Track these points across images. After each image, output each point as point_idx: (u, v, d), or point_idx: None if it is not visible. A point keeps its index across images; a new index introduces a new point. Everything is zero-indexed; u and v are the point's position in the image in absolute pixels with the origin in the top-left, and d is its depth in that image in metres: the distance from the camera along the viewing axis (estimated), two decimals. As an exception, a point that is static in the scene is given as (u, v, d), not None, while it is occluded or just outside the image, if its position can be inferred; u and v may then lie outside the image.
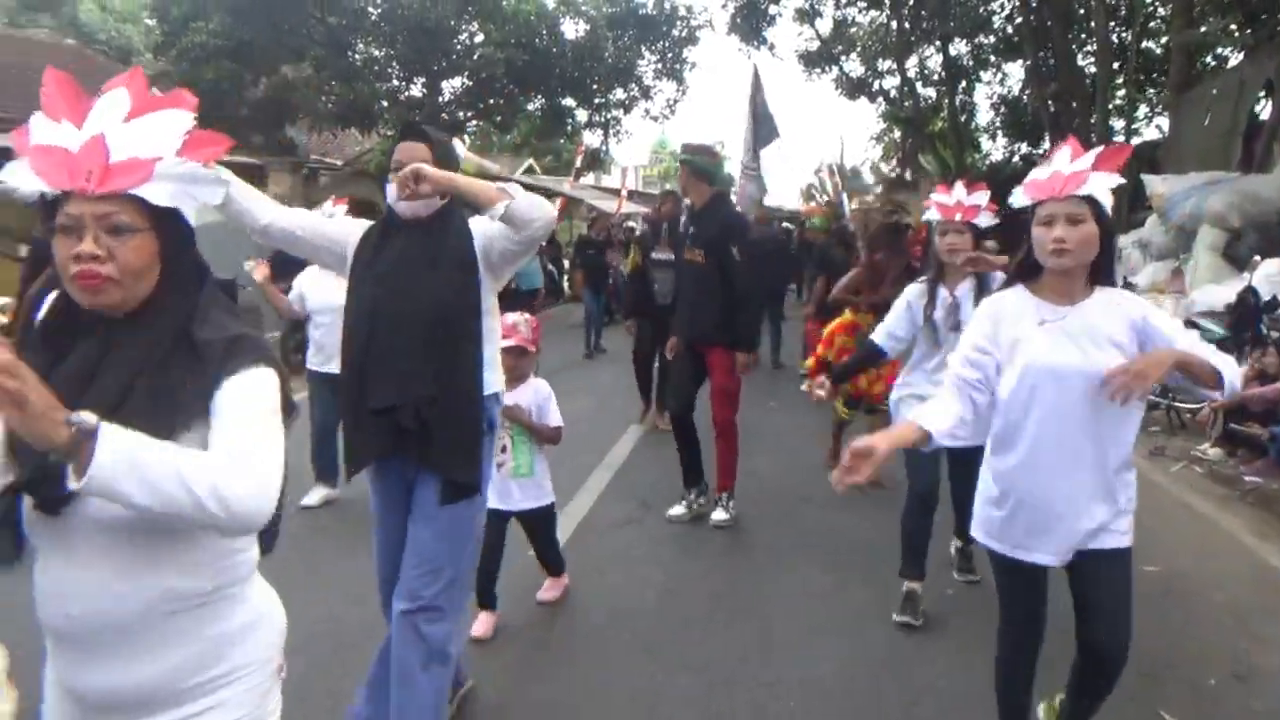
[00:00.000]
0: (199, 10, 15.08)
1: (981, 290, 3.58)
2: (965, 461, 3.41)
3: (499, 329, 2.77)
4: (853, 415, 6.19)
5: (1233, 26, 16.16)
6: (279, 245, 2.62)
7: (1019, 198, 2.36)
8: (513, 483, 3.61)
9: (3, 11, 24.51)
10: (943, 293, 3.74)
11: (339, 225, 2.73)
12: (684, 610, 3.97)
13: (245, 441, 1.32)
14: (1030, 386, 2.30)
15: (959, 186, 3.75)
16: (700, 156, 4.97)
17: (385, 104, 17.83)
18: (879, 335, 3.83)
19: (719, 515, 5.04)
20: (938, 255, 3.78)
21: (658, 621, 3.85)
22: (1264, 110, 13.41)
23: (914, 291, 3.79)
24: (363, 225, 2.69)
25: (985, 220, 3.72)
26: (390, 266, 2.53)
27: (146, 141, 1.35)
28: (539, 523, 3.82)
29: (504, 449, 3.55)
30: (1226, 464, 6.46)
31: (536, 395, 3.62)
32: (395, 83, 18.56)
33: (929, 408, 2.32)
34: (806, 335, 8.98)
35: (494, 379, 2.65)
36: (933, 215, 3.77)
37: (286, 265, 10.58)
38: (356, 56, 17.47)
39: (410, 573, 2.60)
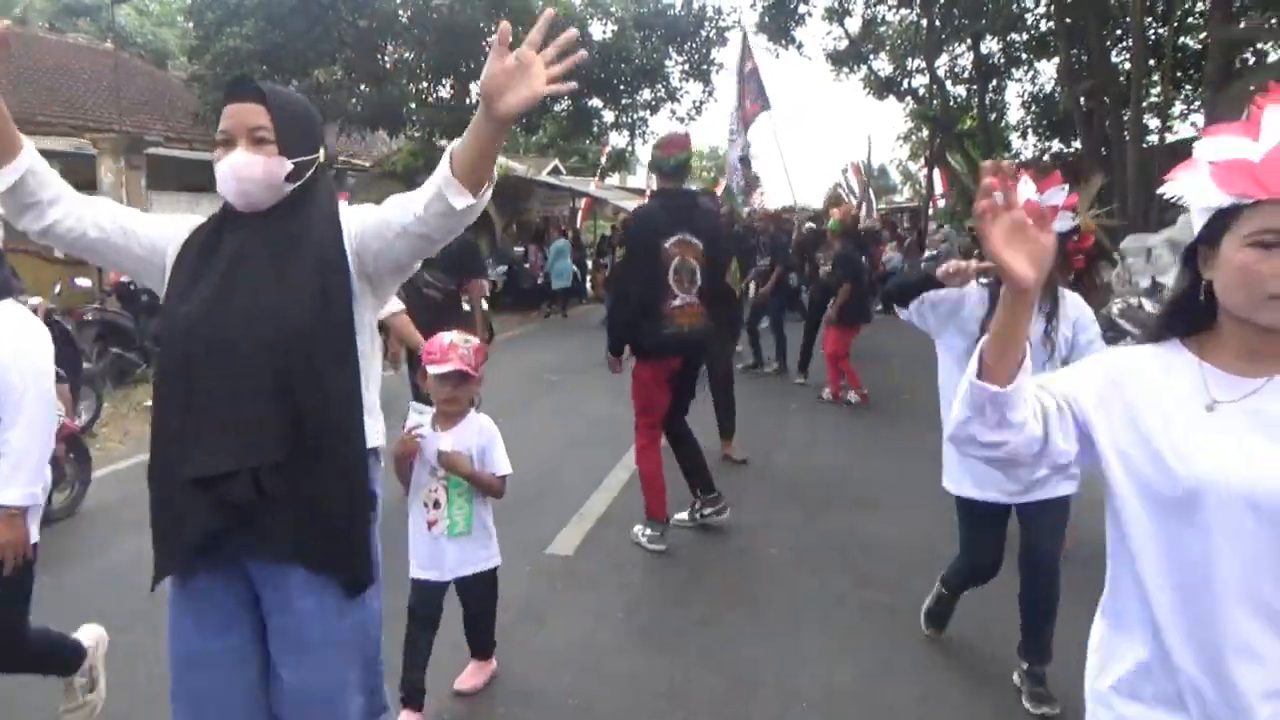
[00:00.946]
0: (233, 14, 15.31)
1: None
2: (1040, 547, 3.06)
3: (379, 362, 2.04)
4: None
5: (1273, 22, 15.88)
6: (72, 253, 1.95)
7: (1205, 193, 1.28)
8: (448, 544, 2.92)
9: (42, 16, 25.03)
10: None
11: (160, 226, 1.95)
12: (702, 609, 3.98)
13: None
14: (1203, 518, 1.25)
15: (1025, 181, 2.69)
16: (654, 150, 4.88)
17: (414, 106, 17.98)
18: (912, 305, 3.04)
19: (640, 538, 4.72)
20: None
21: (675, 620, 3.87)
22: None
23: (975, 295, 2.99)
24: (192, 223, 1.96)
25: (1065, 224, 2.79)
26: (220, 277, 1.81)
27: None
28: (479, 592, 3.07)
29: (436, 504, 2.91)
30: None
31: (480, 435, 2.93)
32: (424, 84, 18.72)
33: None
34: (826, 345, 8.56)
35: (374, 428, 1.94)
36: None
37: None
38: (386, 59, 17.64)
39: None
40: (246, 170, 1.80)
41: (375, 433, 1.94)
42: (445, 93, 19.09)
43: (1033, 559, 3.08)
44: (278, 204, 1.86)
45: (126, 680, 3.15)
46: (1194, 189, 1.30)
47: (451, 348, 2.81)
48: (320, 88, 15.53)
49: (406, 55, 18.25)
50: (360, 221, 1.86)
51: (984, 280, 2.90)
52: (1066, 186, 2.76)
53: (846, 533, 4.94)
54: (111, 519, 5.09)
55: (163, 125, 17.38)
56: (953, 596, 3.51)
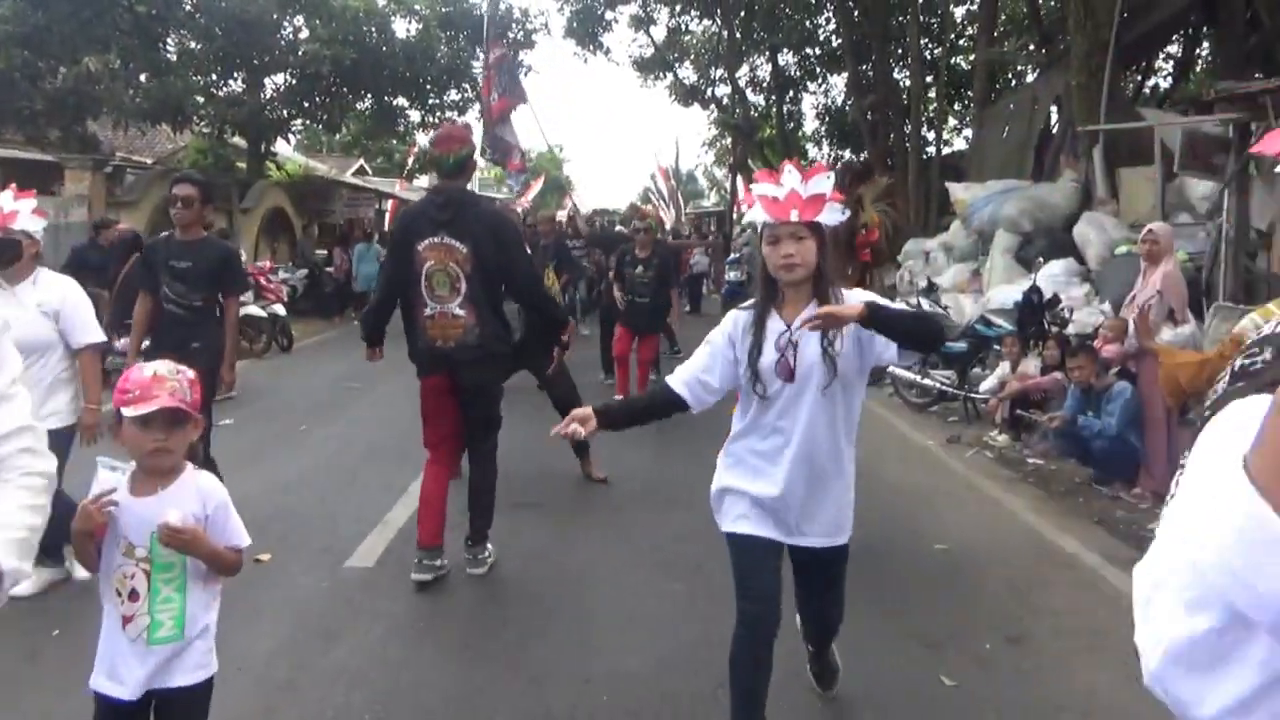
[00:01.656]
0: (-15, -8, 13.85)
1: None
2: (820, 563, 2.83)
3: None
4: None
5: (1029, 47, 17.56)
6: None
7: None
8: (146, 652, 2.06)
9: None
10: (775, 325, 2.65)
11: None
12: (501, 612, 3.98)
13: None
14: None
15: (790, 170, 2.61)
16: (430, 146, 4.82)
17: (200, 100, 16.89)
18: (678, 378, 2.73)
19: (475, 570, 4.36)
20: (766, 273, 2.67)
21: (474, 624, 3.85)
22: (1054, 124, 14.63)
23: (736, 322, 2.72)
24: None
25: (833, 216, 2.61)
26: None
27: None
28: (187, 712, 2.17)
29: (133, 595, 2.07)
30: (1013, 449, 7.04)
31: (204, 500, 2.12)
32: (212, 77, 17.62)
33: None
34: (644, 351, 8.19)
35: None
36: (758, 216, 2.61)
37: (80, 271, 9.91)
38: (169, 49, 16.48)
39: None
40: None
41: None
42: (237, 86, 18.06)
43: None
44: None
45: None
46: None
47: (156, 381, 2.03)
48: (92, 77, 14.26)
49: (192, 45, 17.11)
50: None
51: (746, 305, 2.79)
52: (831, 175, 2.65)
53: (649, 531, 5.06)
54: None
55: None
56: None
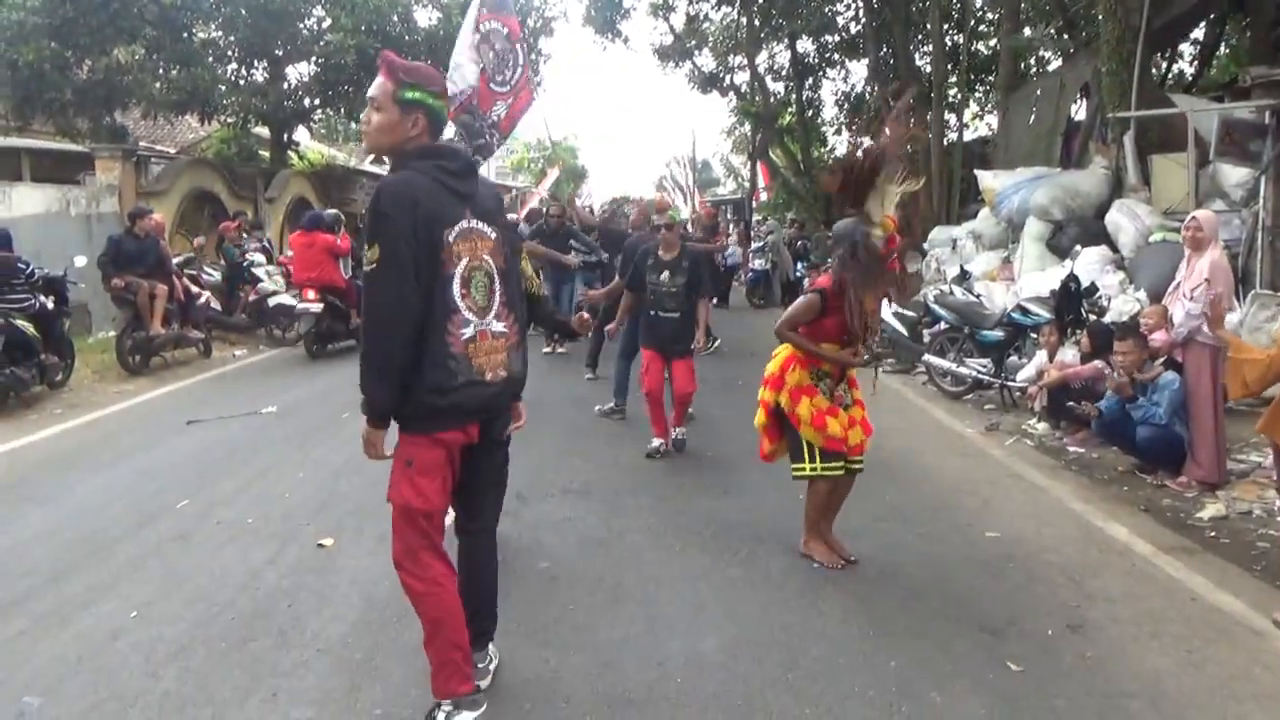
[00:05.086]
0: (14, -17, 13.91)
1: None
2: None
3: None
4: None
5: (1054, 32, 17.42)
6: None
7: None
8: None
9: None
10: None
11: None
12: (567, 595, 4.04)
13: None
14: None
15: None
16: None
17: (224, 90, 16.96)
18: None
19: None
20: None
21: (543, 607, 3.91)
22: (1080, 111, 14.54)
23: None
24: None
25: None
26: None
27: None
28: None
29: None
30: (1052, 437, 7.05)
31: None
32: (236, 67, 17.69)
33: None
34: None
35: None
36: None
37: (118, 261, 9.98)
38: (194, 39, 16.53)
39: None
40: None
41: None
42: (260, 76, 18.11)
43: None
44: None
45: None
46: None
47: None
48: (119, 68, 14.33)
49: (216, 35, 17.17)
50: None
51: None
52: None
53: (697, 518, 5.10)
54: None
55: (-65, 107, 15.64)
56: None
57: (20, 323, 7.89)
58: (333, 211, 12.70)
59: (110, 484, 5.75)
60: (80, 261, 9.55)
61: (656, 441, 6.37)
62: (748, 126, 30.13)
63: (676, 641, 3.57)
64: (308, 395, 8.63)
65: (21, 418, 7.71)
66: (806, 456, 4.33)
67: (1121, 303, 8.09)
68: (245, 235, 13.28)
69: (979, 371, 8.28)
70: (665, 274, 6.34)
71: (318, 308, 10.71)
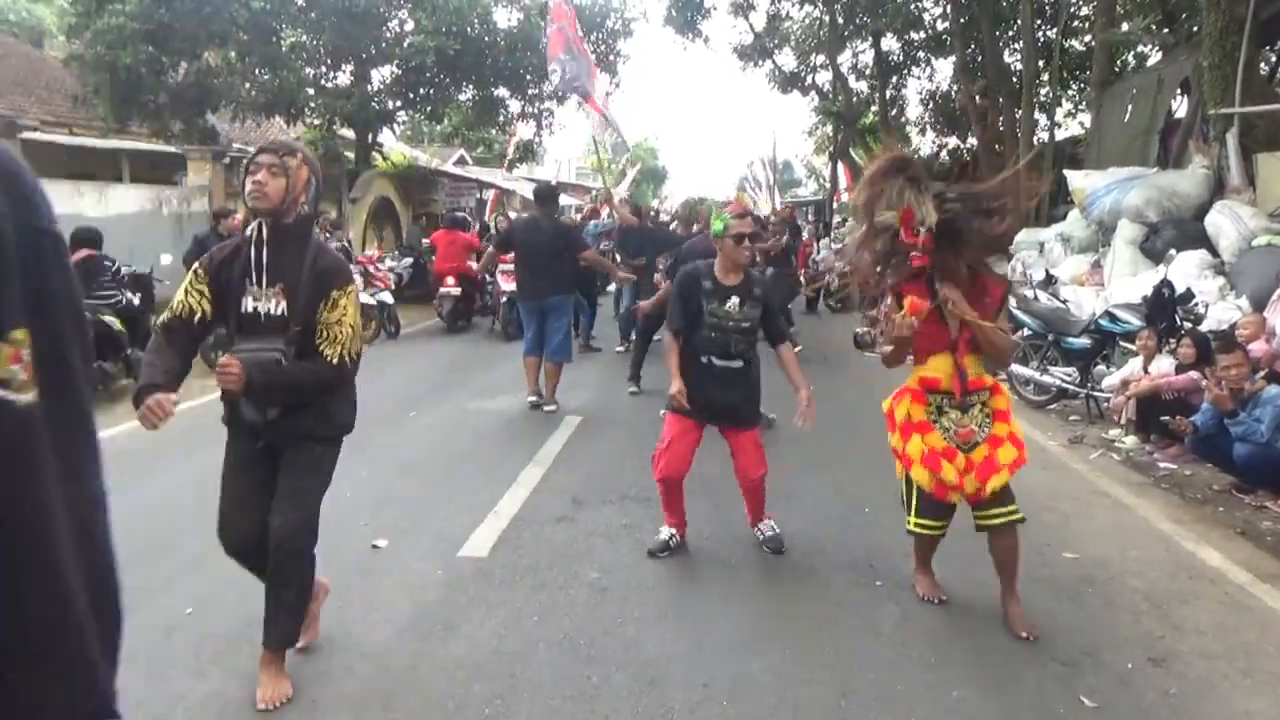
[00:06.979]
0: (115, -9, 14.49)
1: None
2: None
3: None
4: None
5: (1152, 27, 16.65)
6: None
7: None
8: None
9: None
10: None
11: None
12: (617, 608, 3.93)
13: None
14: None
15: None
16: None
17: (310, 92, 17.39)
18: None
19: None
20: None
21: (590, 619, 3.81)
22: (1179, 108, 13.85)
23: None
24: None
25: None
26: None
27: None
28: None
29: None
30: (1141, 451, 6.66)
31: None
32: (322, 69, 18.12)
33: None
34: None
35: None
36: None
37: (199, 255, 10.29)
38: (282, 42, 16.99)
39: None
40: None
41: None
42: (345, 79, 18.52)
43: None
44: None
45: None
46: None
47: None
48: (211, 71, 14.83)
49: (303, 38, 17.62)
50: None
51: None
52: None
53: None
54: None
55: (39, 109, 16.40)
56: None
57: (107, 318, 8.16)
58: (462, 214, 14.20)
59: (182, 478, 5.86)
60: (166, 259, 9.87)
61: (666, 532, 4.61)
62: (829, 127, 29.65)
63: (725, 661, 3.43)
64: (375, 393, 8.72)
65: (108, 410, 7.94)
66: (907, 506, 3.85)
67: (1220, 310, 7.61)
68: (327, 236, 13.57)
69: (1064, 380, 7.90)
70: (733, 302, 4.38)
71: (456, 291, 12.72)
